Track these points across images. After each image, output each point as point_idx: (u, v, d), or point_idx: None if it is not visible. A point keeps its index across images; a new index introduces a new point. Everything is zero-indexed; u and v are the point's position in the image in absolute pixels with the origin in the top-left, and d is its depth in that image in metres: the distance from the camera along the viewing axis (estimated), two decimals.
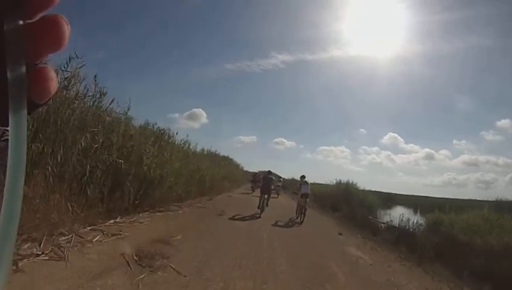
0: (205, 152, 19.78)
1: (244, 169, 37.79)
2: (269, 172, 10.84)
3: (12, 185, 0.19)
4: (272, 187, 10.82)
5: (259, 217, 8.69)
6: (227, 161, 25.35)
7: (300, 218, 8.67)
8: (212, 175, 13.19)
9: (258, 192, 18.67)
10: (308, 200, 9.03)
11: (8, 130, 0.21)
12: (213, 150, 21.50)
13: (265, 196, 9.76)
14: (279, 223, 8.02)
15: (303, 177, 9.72)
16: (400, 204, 23.71)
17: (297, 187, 10.07)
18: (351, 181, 18.38)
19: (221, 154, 24.24)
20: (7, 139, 0.21)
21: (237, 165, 31.96)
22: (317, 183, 26.57)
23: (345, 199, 15.47)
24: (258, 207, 9.27)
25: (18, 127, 0.20)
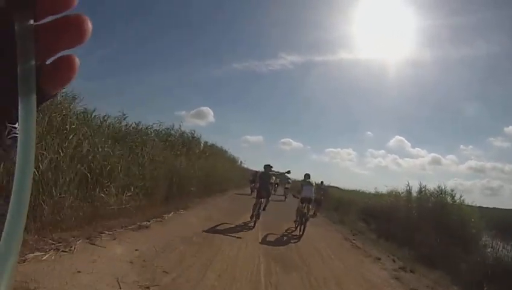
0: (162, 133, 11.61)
1: (246, 166, 30.08)
2: (267, 167, 7.27)
3: (21, 180, 0.19)
4: (273, 187, 8.37)
5: (253, 226, 6.18)
6: (213, 150, 17.03)
7: (300, 230, 6.39)
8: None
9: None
10: (311, 206, 7.05)
11: (15, 128, 0.21)
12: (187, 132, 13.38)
13: (262, 200, 6.83)
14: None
15: (307, 176, 7.43)
16: None
17: (298, 189, 7.91)
18: (443, 187, 10.21)
19: (203, 140, 16.03)
20: (14, 137, 0.21)
21: (233, 160, 23.59)
22: (354, 191, 18.23)
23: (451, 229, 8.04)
24: (251, 216, 6.64)
25: (27, 119, 0.20)
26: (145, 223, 4.55)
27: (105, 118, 7.55)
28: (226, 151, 20.95)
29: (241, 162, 26.29)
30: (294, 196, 11.05)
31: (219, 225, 5.65)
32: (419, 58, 41.21)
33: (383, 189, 14.58)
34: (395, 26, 42.78)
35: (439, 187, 10.43)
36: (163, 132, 11.67)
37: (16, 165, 0.19)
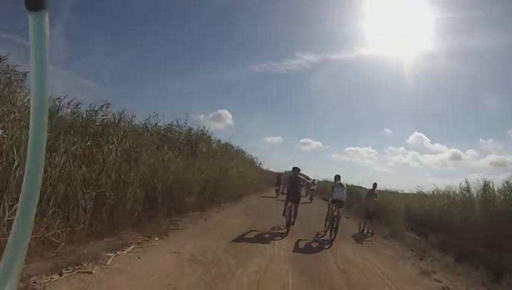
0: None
1: (266, 168, 27.81)
2: (295, 169, 6.85)
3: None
4: (302, 191, 7.43)
5: (286, 234, 5.80)
6: (228, 149, 14.61)
7: (332, 235, 6.12)
8: None
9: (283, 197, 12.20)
10: (342, 209, 6.58)
11: None
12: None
13: (292, 204, 6.41)
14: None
15: (337, 177, 6.95)
16: None
17: (329, 191, 7.67)
18: None
19: (216, 138, 13.79)
20: None
21: (252, 161, 21.12)
22: (386, 191, 14.64)
23: None
24: (284, 214, 6.47)
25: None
26: (47, 280, 2.16)
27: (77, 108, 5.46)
28: (243, 152, 18.51)
29: (260, 163, 23.75)
30: (324, 199, 9.30)
31: (212, 272, 3.13)
32: (436, 52, 38.71)
33: (415, 187, 12.10)
34: (410, 20, 40.62)
35: (507, 183, 7.94)
36: (163, 127, 9.53)
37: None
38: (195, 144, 10.65)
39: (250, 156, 20.95)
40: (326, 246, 5.55)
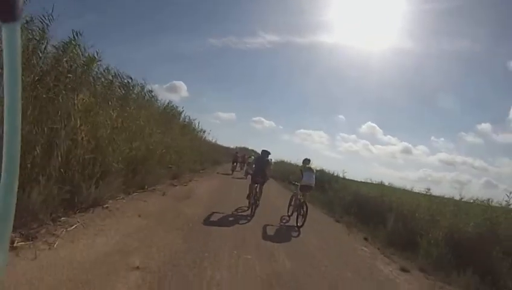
0: None
1: (215, 141, 22.81)
2: (265, 152, 7.05)
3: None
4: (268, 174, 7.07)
5: (250, 214, 6.17)
6: (141, 102, 8.69)
7: (299, 221, 6.02)
8: None
9: (239, 174, 14.69)
10: (308, 194, 6.61)
11: None
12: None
13: (257, 185, 6.72)
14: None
15: (307, 161, 6.78)
16: None
17: (298, 175, 7.07)
18: None
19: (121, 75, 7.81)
20: None
21: (188, 127, 15.32)
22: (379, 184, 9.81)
23: None
24: (248, 197, 6.75)
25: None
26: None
27: None
28: (174, 108, 12.61)
29: (204, 132, 18.12)
30: (291, 182, 8.63)
31: None
32: (400, 47, 40.64)
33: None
34: (379, 13, 41.25)
35: None
36: None
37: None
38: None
39: (189, 118, 15.23)
40: (295, 234, 5.39)
